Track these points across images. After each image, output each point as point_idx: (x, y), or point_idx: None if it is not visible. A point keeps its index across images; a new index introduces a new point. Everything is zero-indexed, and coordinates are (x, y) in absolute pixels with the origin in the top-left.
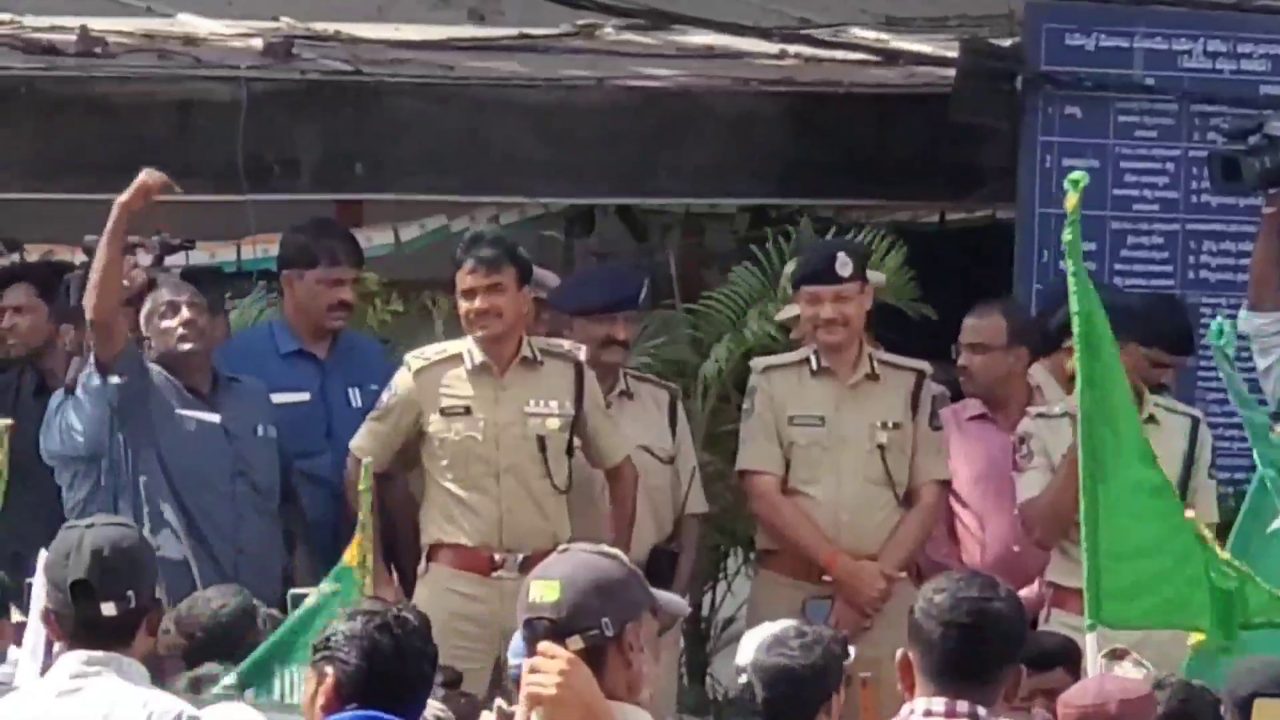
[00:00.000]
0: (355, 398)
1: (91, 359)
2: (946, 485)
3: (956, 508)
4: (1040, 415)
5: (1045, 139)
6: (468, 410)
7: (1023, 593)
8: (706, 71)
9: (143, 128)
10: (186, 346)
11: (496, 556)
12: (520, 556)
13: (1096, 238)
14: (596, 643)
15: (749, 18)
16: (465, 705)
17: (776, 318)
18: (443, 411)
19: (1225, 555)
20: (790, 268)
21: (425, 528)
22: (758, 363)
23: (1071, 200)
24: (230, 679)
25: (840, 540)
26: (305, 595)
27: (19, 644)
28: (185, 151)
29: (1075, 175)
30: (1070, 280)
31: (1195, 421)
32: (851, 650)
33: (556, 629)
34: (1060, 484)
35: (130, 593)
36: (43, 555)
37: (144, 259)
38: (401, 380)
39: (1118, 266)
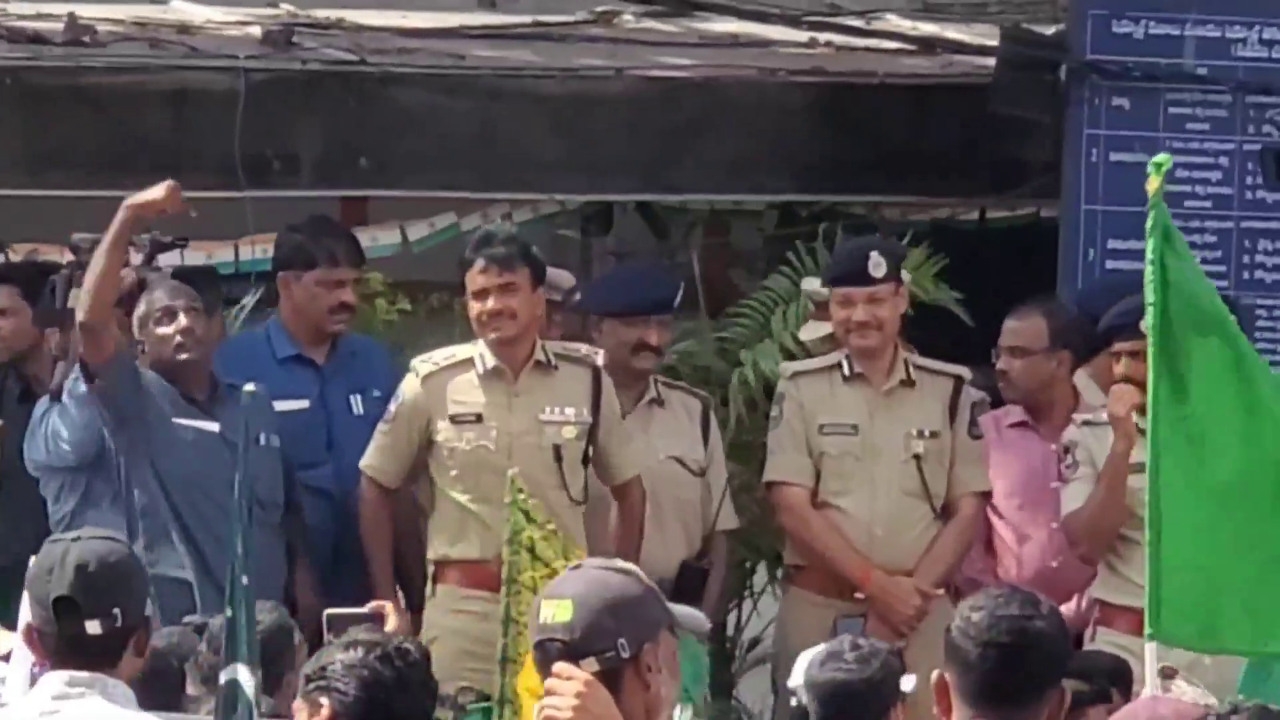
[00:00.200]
0: (357, 404)
1: (78, 364)
2: (986, 497)
3: (993, 520)
4: (1087, 423)
5: (1091, 132)
6: (479, 418)
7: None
8: (731, 61)
9: (134, 121)
10: (183, 356)
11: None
12: None
13: (1145, 236)
14: (612, 665)
15: (776, 4)
16: None
17: (800, 336)
18: (453, 419)
19: None
20: (808, 283)
21: (432, 543)
22: (786, 368)
23: (1153, 183)
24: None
25: (874, 555)
26: (343, 614)
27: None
28: (179, 146)
29: (1159, 158)
30: (1147, 269)
31: None
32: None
33: (570, 650)
34: (1103, 495)
35: (116, 610)
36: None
37: (134, 257)
38: (409, 387)
39: None
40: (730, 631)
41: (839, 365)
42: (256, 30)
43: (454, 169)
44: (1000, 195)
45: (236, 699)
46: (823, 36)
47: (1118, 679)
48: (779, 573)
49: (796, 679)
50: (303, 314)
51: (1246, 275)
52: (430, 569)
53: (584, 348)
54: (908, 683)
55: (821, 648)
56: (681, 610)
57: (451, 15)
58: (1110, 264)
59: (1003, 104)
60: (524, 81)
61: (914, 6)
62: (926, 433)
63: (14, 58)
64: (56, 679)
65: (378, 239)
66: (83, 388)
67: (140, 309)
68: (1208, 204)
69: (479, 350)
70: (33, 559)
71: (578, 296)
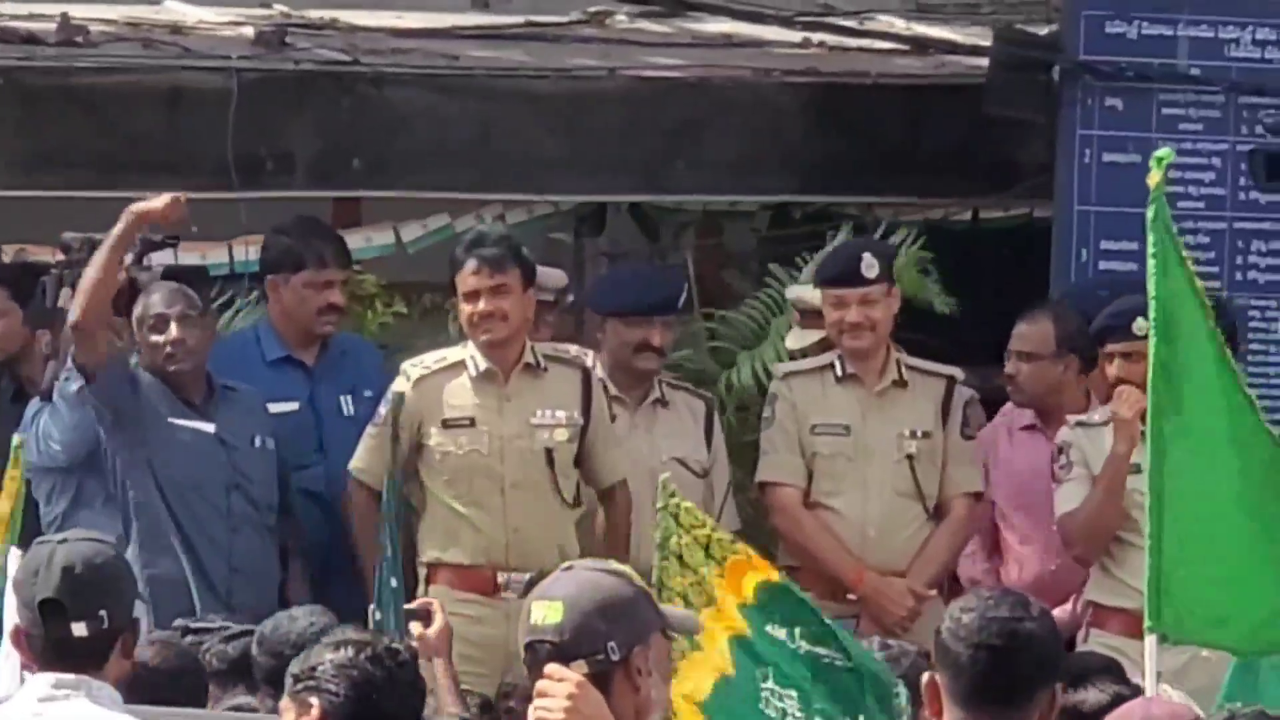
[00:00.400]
0: (347, 405)
1: (70, 364)
2: (978, 498)
3: (1000, 522)
4: (1080, 424)
5: (1084, 132)
6: (472, 422)
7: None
8: (724, 61)
9: (127, 121)
10: (173, 367)
11: (501, 577)
12: (526, 576)
13: (1138, 237)
14: (602, 667)
15: (770, 4)
16: None
17: (787, 344)
18: (445, 424)
19: None
20: (794, 291)
21: (423, 547)
22: (779, 368)
23: (1154, 177)
24: None
25: (866, 556)
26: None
27: None
28: (172, 146)
29: (1161, 152)
30: (1150, 263)
31: None
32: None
33: (559, 653)
34: (1102, 497)
35: (103, 612)
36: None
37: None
38: (399, 390)
39: None
40: None
41: (831, 366)
42: (249, 30)
43: (447, 169)
44: (994, 196)
45: None
46: (816, 37)
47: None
48: None
49: None
50: (292, 316)
51: (1239, 276)
52: (422, 571)
53: (573, 349)
54: None
55: None
56: (674, 612)
57: (445, 16)
58: (1103, 264)
59: (996, 104)
60: (517, 82)
61: (907, 7)
62: (919, 433)
63: (7, 58)
64: (43, 681)
65: (371, 240)
66: (73, 387)
67: (137, 310)
68: (1201, 205)
69: (470, 353)
70: (18, 560)
71: (571, 297)
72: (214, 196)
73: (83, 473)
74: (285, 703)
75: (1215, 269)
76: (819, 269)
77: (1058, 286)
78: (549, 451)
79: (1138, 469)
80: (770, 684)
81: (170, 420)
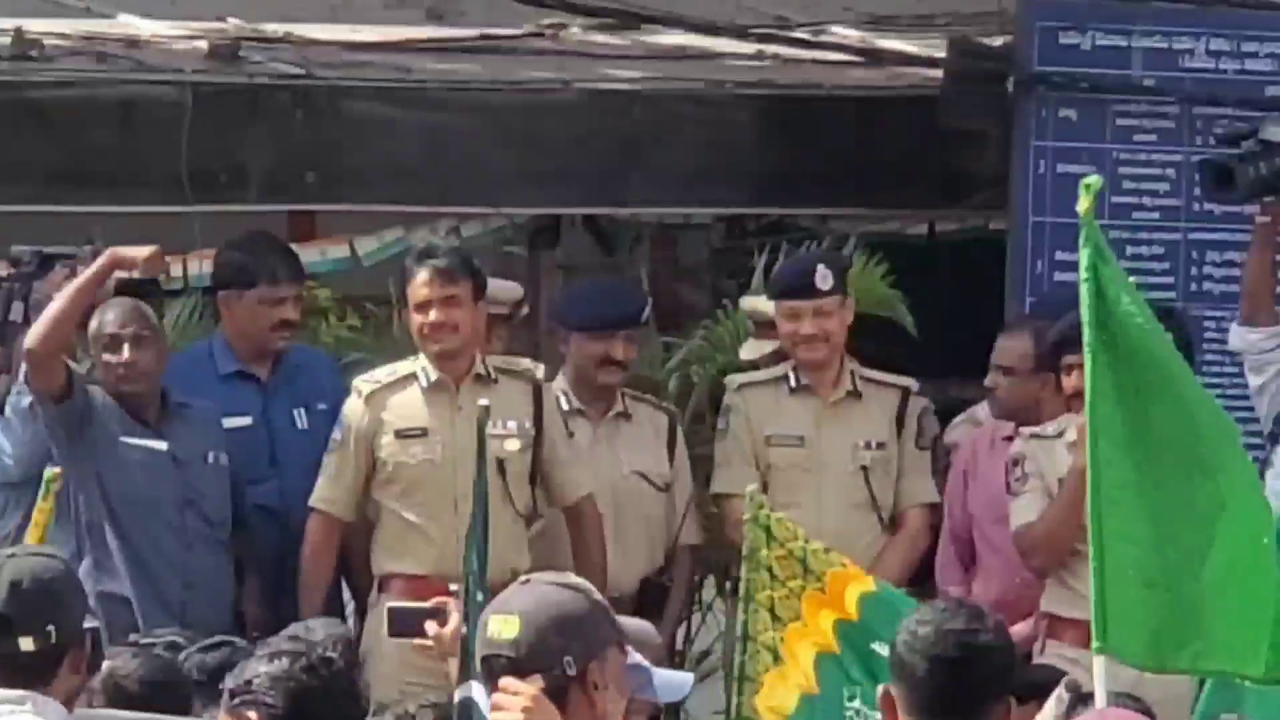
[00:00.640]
0: (301, 419)
1: (21, 377)
2: (934, 509)
3: (975, 532)
4: (1034, 436)
5: (1039, 144)
6: (424, 432)
7: (1020, 626)
8: (679, 73)
9: (82, 134)
10: (125, 388)
11: (453, 587)
12: None
13: None
14: (558, 682)
15: (723, 16)
16: None
17: (741, 355)
18: (398, 434)
19: None
20: (748, 302)
21: (376, 557)
22: (732, 380)
23: (1084, 204)
24: None
25: None
26: (405, 609)
27: None
28: (126, 160)
29: (1089, 180)
30: (1081, 286)
31: None
32: None
33: (515, 667)
34: (1062, 509)
35: (51, 627)
36: None
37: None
38: (352, 409)
39: None
40: (680, 645)
41: (785, 377)
42: (203, 44)
43: (402, 182)
44: (948, 207)
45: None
46: (770, 49)
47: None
48: (728, 585)
49: None
50: (245, 332)
51: (1194, 287)
52: (376, 582)
53: (524, 361)
54: None
55: None
56: (631, 624)
57: (398, 29)
58: (1058, 276)
59: (950, 116)
60: (471, 95)
61: (861, 19)
62: (873, 444)
63: None
64: None
65: (326, 253)
66: (25, 402)
67: (92, 326)
68: (1155, 215)
69: (420, 365)
70: None
71: (525, 310)
72: (168, 210)
73: (37, 488)
74: (222, 717)
75: (1170, 279)
76: (772, 281)
77: (1012, 298)
78: (500, 462)
79: None
80: (857, 704)
81: (123, 439)
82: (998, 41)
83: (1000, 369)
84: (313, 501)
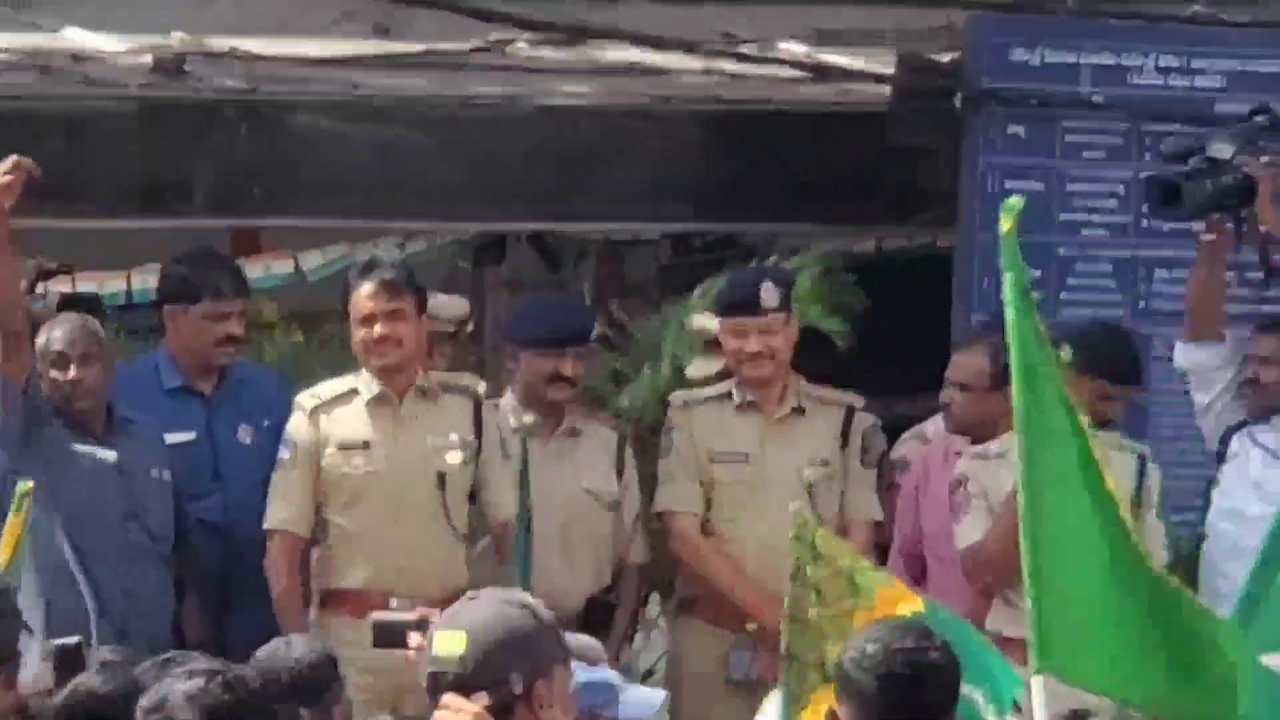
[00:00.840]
0: (246, 435)
1: None
2: (878, 526)
3: (926, 549)
4: (977, 456)
5: (988, 160)
6: (366, 444)
7: None
8: (626, 89)
9: (27, 149)
10: (73, 405)
11: (394, 602)
12: (419, 603)
13: (1042, 265)
14: (504, 699)
15: (671, 31)
16: None
17: (689, 374)
18: (340, 447)
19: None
20: (695, 320)
21: (318, 571)
22: (676, 397)
23: (1005, 224)
24: None
25: (766, 584)
26: (390, 621)
27: None
28: (71, 174)
29: (1011, 200)
30: (1008, 311)
31: (1142, 459)
32: None
33: (462, 683)
34: (1003, 529)
35: None
36: None
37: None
38: (296, 426)
39: (1064, 295)
40: (624, 662)
41: (730, 394)
42: (149, 59)
43: (347, 198)
44: (897, 224)
45: None
46: (718, 64)
47: None
48: (671, 603)
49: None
50: (189, 347)
51: (1143, 304)
52: (315, 596)
53: (466, 377)
54: None
55: None
56: (577, 641)
57: (345, 44)
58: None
59: (900, 132)
60: (418, 110)
61: (810, 34)
62: (818, 461)
63: None
64: None
65: (271, 269)
66: None
67: (40, 341)
68: (1104, 232)
69: (362, 379)
70: None
71: (470, 326)
72: (113, 225)
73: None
74: None
75: (1118, 296)
76: (718, 298)
77: (960, 314)
78: (441, 476)
79: None
80: None
81: (73, 446)
82: (947, 58)
83: (956, 385)
84: (271, 525)
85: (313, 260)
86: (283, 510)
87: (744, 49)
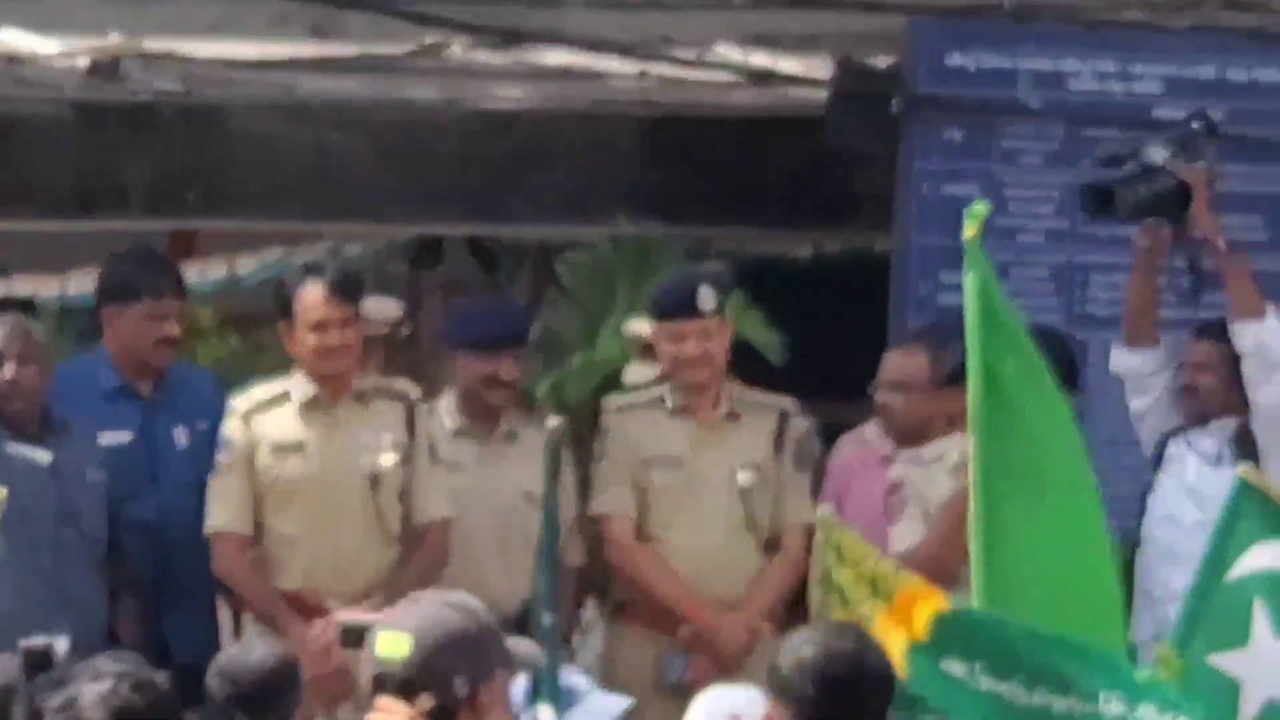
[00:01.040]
0: (181, 437)
1: None
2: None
3: None
4: (912, 461)
5: (924, 165)
6: (300, 447)
7: None
8: (562, 93)
9: None
10: (8, 407)
11: (330, 603)
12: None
13: None
14: (447, 702)
15: (607, 35)
16: None
17: (625, 380)
18: (274, 449)
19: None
20: (631, 325)
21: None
22: (610, 401)
23: (970, 230)
24: None
25: (701, 589)
26: (357, 624)
27: None
28: (6, 177)
29: (976, 206)
30: (967, 314)
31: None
32: None
33: (406, 686)
34: (941, 535)
35: None
36: None
37: None
38: (232, 429)
39: None
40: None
41: (663, 399)
42: (85, 61)
43: (283, 200)
44: (834, 228)
45: None
46: (654, 68)
47: None
48: (606, 606)
49: None
50: (127, 347)
51: (1079, 310)
52: None
53: (400, 381)
54: None
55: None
56: (519, 645)
57: (281, 46)
58: (942, 298)
59: (836, 136)
60: (354, 113)
61: (746, 39)
62: (752, 465)
63: None
64: None
65: (206, 273)
66: None
67: None
68: (1040, 238)
69: (294, 382)
70: None
71: (404, 330)
72: (48, 228)
73: None
74: None
75: (1054, 301)
76: (654, 301)
77: (896, 319)
78: (375, 477)
79: None
80: None
81: (4, 446)
82: (884, 63)
83: (893, 385)
84: (214, 528)
85: (248, 265)
86: (223, 513)
87: (681, 53)
